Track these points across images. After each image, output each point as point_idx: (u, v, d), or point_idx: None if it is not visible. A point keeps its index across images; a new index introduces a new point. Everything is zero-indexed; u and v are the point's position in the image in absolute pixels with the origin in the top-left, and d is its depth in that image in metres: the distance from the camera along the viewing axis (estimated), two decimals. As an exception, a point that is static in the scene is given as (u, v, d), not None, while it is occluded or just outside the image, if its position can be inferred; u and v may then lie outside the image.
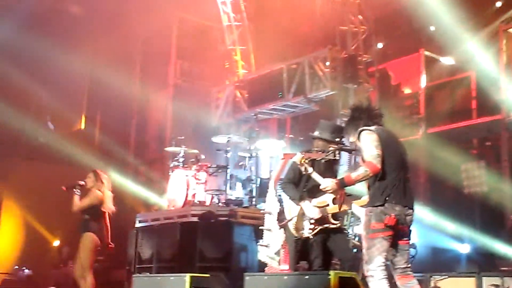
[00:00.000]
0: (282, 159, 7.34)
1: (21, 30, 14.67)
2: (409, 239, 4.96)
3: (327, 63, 12.32)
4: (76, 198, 7.89)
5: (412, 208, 4.90)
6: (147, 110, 17.59)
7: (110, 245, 8.02)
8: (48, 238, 16.24)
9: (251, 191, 10.11)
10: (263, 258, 7.33)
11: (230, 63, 15.15)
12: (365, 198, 5.07)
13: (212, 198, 10.03)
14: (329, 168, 6.01)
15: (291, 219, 6.03)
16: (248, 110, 14.01)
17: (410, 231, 4.95)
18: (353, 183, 4.90)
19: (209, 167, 10.15)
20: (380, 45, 13.38)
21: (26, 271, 15.16)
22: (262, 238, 7.47)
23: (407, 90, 13.59)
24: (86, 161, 14.43)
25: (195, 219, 9.29)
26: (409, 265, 4.89)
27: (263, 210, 7.92)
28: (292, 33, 14.95)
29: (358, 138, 4.96)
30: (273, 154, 10.42)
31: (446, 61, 13.11)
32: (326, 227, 5.86)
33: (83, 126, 18.07)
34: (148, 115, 17.78)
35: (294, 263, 6.19)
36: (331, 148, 5.81)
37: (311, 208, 5.85)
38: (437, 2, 11.54)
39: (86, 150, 15.81)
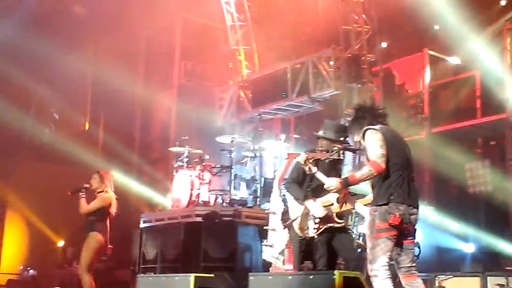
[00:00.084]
0: (286, 159, 7.34)
1: (24, 30, 14.70)
2: (414, 238, 4.94)
3: (331, 63, 12.33)
4: (82, 200, 7.90)
5: (416, 208, 4.89)
6: (151, 110, 17.61)
7: (108, 247, 8.03)
8: (52, 239, 16.27)
9: (255, 191, 10.10)
10: (267, 258, 7.33)
11: (234, 63, 15.16)
12: (370, 197, 5.06)
13: (216, 198, 10.03)
14: (333, 167, 6.00)
15: (295, 219, 6.02)
16: (252, 110, 14.02)
17: (415, 230, 4.94)
18: (357, 182, 4.89)
19: (213, 167, 10.15)
20: (384, 45, 13.36)
21: (31, 271, 15.20)
22: (266, 238, 7.47)
23: (411, 90, 13.56)
24: (90, 162, 14.46)
25: (199, 219, 9.30)
26: (413, 264, 4.88)
27: (267, 210, 7.91)
28: (295, 33, 14.96)
29: (363, 137, 4.95)
30: (277, 154, 10.42)
31: (451, 60, 13.09)
32: (331, 226, 5.86)
33: (87, 127, 18.10)
34: (152, 115, 17.81)
35: (298, 263, 6.19)
36: (335, 148, 5.81)
37: (316, 208, 5.85)
38: (441, 1, 11.53)
39: (90, 150, 15.85)
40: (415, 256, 4.96)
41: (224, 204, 9.82)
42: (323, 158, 5.66)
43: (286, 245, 6.78)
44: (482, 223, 11.19)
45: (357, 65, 12.21)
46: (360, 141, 5.06)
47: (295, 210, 6.05)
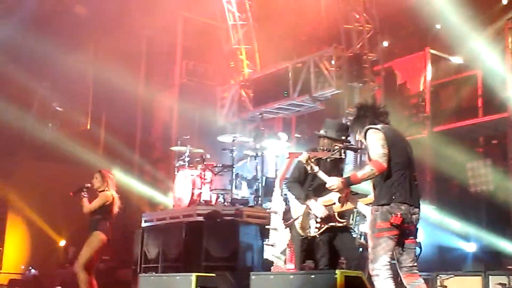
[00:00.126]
0: (288, 158, 7.32)
1: (25, 30, 14.72)
2: (415, 238, 4.94)
3: (333, 62, 12.32)
4: (85, 200, 7.91)
5: (418, 207, 4.88)
6: (153, 110, 17.62)
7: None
8: (54, 238, 16.28)
9: (256, 190, 10.10)
10: (269, 257, 7.32)
11: (235, 63, 15.16)
12: (371, 197, 5.05)
13: (218, 197, 10.03)
14: (335, 166, 5.99)
15: (296, 218, 6.01)
16: (254, 109, 14.02)
17: (417, 229, 4.93)
18: (359, 181, 4.89)
19: (215, 166, 10.15)
20: (385, 44, 13.35)
21: (33, 271, 15.21)
22: (268, 237, 7.46)
23: (412, 89, 13.55)
24: (92, 161, 14.47)
25: (201, 218, 9.30)
26: (415, 264, 4.88)
27: (269, 209, 7.91)
28: (297, 32, 14.96)
29: (364, 136, 4.95)
30: (279, 153, 10.41)
31: (452, 59, 13.07)
32: (332, 225, 5.85)
33: (88, 126, 18.11)
34: (154, 115, 17.81)
35: (300, 262, 6.18)
36: (336, 147, 5.80)
37: (318, 207, 5.84)
38: (443, 1, 11.51)
39: (91, 149, 15.86)
40: (416, 256, 4.96)
41: (225, 203, 9.82)
42: (324, 157, 5.65)
43: (287, 244, 6.77)
44: (484, 222, 11.18)
45: (359, 64, 12.20)
46: (361, 140, 5.06)
47: (297, 209, 6.05)
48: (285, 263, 6.92)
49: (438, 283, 8.01)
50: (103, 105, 17.70)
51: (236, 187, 10.08)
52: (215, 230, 9.18)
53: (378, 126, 4.95)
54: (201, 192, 9.88)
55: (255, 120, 13.88)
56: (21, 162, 16.43)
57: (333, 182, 5.08)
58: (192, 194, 9.81)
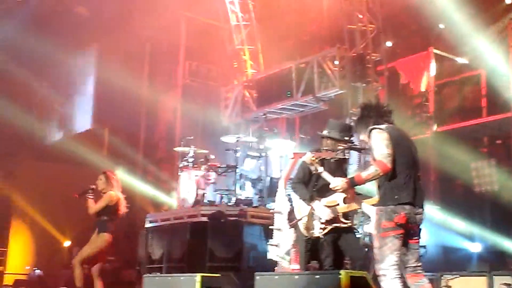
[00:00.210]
0: (292, 158, 7.32)
1: (28, 31, 14.75)
2: (419, 238, 4.93)
3: (336, 62, 12.31)
4: (90, 202, 7.91)
5: (422, 207, 4.88)
6: (156, 110, 17.63)
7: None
8: (58, 239, 16.31)
9: (261, 190, 10.10)
10: (273, 257, 7.32)
11: (239, 63, 15.16)
12: (376, 197, 5.04)
13: (222, 198, 10.04)
14: (339, 167, 5.99)
15: (300, 219, 6.01)
16: (257, 109, 14.03)
17: (420, 230, 4.93)
18: (363, 182, 4.88)
19: (219, 167, 10.16)
20: (389, 44, 13.34)
21: (37, 271, 15.24)
22: (272, 238, 7.46)
23: (416, 89, 13.54)
24: (96, 162, 14.49)
25: (205, 219, 9.31)
26: (419, 264, 4.87)
27: (273, 209, 7.91)
28: (300, 32, 14.96)
29: (369, 136, 4.94)
30: (283, 153, 10.41)
31: (456, 59, 13.05)
32: (337, 226, 5.85)
33: (92, 127, 18.13)
34: (157, 115, 17.82)
35: (304, 263, 6.18)
36: (340, 147, 5.80)
37: (322, 208, 5.84)
38: (446, 0, 11.49)
39: (95, 150, 15.88)
40: (420, 256, 4.95)
41: (229, 203, 9.83)
42: (329, 158, 5.65)
43: (292, 245, 6.77)
44: (488, 222, 11.16)
45: (362, 64, 12.19)
46: (366, 140, 5.05)
47: (301, 210, 6.05)
48: (289, 263, 6.92)
49: (443, 283, 8.00)
50: (106, 105, 17.72)
51: (240, 188, 10.09)
52: (219, 231, 9.19)
53: (382, 126, 4.94)
54: (205, 193, 9.89)
55: (258, 120, 13.89)
56: (25, 163, 16.47)
57: (337, 182, 5.07)
58: (196, 194, 9.82)
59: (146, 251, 10.11)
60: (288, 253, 6.99)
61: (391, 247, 4.69)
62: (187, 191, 9.96)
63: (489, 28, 11.85)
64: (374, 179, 4.84)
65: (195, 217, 9.50)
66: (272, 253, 7.33)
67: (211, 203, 9.84)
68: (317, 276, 5.29)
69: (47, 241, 16.02)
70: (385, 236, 4.71)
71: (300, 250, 6.26)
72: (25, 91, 16.32)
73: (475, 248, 11.01)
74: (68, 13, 16.12)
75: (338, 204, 5.81)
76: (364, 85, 12.15)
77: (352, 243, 5.95)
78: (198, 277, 6.35)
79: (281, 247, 7.15)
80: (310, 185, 6.03)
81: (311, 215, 5.93)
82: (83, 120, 17.90)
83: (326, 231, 5.84)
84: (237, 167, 10.05)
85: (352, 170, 7.03)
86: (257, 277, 5.81)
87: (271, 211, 8.23)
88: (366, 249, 6.09)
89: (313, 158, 5.37)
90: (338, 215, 5.82)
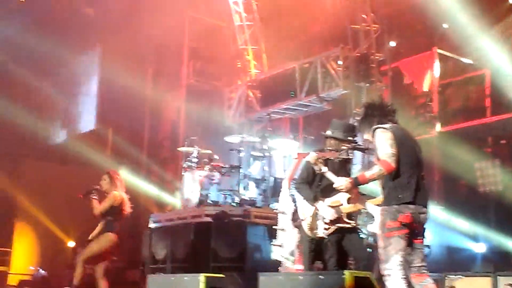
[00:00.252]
0: (296, 158, 7.32)
1: (32, 30, 14.77)
2: (424, 238, 4.93)
3: (340, 62, 12.32)
4: (95, 202, 7.91)
5: (426, 207, 4.87)
6: (160, 110, 17.64)
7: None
8: (62, 239, 16.33)
9: (264, 190, 10.10)
10: (277, 257, 7.32)
11: (242, 63, 15.16)
12: (381, 197, 5.04)
13: (226, 198, 10.03)
14: (342, 167, 5.99)
15: (304, 219, 6.01)
16: (261, 109, 14.03)
17: (425, 229, 4.92)
18: (367, 181, 4.88)
19: (222, 167, 10.16)
20: (392, 44, 13.31)
21: (42, 271, 15.25)
22: (276, 238, 7.46)
23: (420, 89, 13.51)
24: (100, 162, 14.51)
25: (209, 219, 9.31)
26: (424, 264, 4.86)
27: (277, 210, 7.91)
28: (304, 32, 14.94)
29: (373, 135, 4.93)
30: (287, 153, 10.40)
31: (460, 59, 13.02)
32: (341, 226, 5.84)
33: (96, 127, 18.16)
34: (161, 115, 17.84)
35: (308, 263, 6.18)
36: (343, 147, 5.80)
37: (326, 209, 5.83)
38: (450, 0, 11.47)
39: (99, 150, 15.90)
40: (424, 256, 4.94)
41: (233, 204, 9.82)
42: (332, 158, 5.65)
43: (296, 245, 6.77)
44: (493, 222, 11.12)
45: (366, 64, 12.19)
46: (370, 139, 5.05)
47: (305, 210, 6.04)
48: (293, 263, 6.92)
49: (447, 284, 7.98)
50: (110, 105, 17.74)
51: (244, 188, 10.08)
52: (223, 231, 9.19)
53: (386, 126, 4.93)
54: (209, 193, 9.89)
55: (262, 120, 13.90)
56: (29, 163, 16.50)
57: (341, 182, 5.07)
58: (200, 194, 9.82)
59: (150, 251, 10.11)
60: (292, 254, 7.00)
61: (396, 247, 4.69)
62: (191, 191, 9.96)
63: (493, 28, 11.81)
64: (378, 179, 4.84)
65: (199, 217, 9.50)
66: (276, 253, 7.33)
67: (215, 204, 9.84)
68: (321, 277, 5.29)
69: (51, 241, 16.04)
70: (390, 236, 4.71)
71: (304, 251, 6.26)
72: (29, 91, 16.34)
73: (480, 248, 10.98)
74: (72, 14, 16.15)
75: (342, 204, 5.81)
76: (367, 85, 12.15)
77: (356, 243, 5.94)
78: (202, 277, 6.34)
79: (285, 247, 7.16)
80: (314, 185, 6.03)
81: (315, 215, 5.92)
82: (87, 120, 17.93)
83: (330, 231, 5.84)
84: (240, 167, 10.05)
85: (356, 170, 7.02)
86: (261, 277, 5.81)
87: (274, 211, 8.24)
88: (370, 250, 6.07)
89: (317, 158, 5.37)
90: (342, 215, 5.82)
